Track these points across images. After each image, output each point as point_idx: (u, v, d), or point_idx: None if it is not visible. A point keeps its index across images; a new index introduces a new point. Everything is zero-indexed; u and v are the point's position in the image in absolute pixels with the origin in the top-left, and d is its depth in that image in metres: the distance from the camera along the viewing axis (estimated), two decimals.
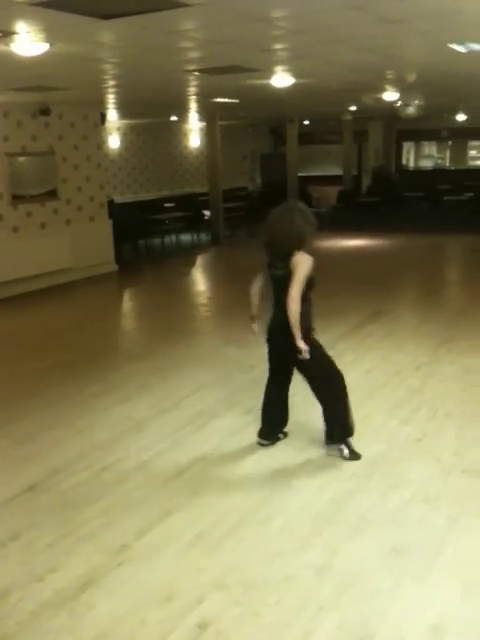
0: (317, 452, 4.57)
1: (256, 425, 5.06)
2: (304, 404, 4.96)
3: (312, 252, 4.30)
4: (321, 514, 3.81)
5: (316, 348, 4.42)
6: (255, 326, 4.61)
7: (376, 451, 4.56)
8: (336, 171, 20.37)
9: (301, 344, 4.16)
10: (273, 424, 4.73)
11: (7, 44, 4.97)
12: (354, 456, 4.44)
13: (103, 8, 3.86)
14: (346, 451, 4.46)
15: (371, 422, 5.07)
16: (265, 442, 4.69)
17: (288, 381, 4.67)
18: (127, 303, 10.71)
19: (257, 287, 4.61)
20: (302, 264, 4.18)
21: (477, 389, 5.64)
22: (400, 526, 3.67)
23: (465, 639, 2.82)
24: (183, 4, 3.82)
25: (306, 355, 4.18)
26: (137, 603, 3.12)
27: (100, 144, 12.02)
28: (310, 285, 4.28)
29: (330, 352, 6.66)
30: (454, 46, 5.83)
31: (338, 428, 4.49)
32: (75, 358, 6.96)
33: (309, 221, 4.29)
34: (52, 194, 10.90)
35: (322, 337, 7.18)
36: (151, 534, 3.68)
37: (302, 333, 4.19)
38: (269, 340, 4.51)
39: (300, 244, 4.22)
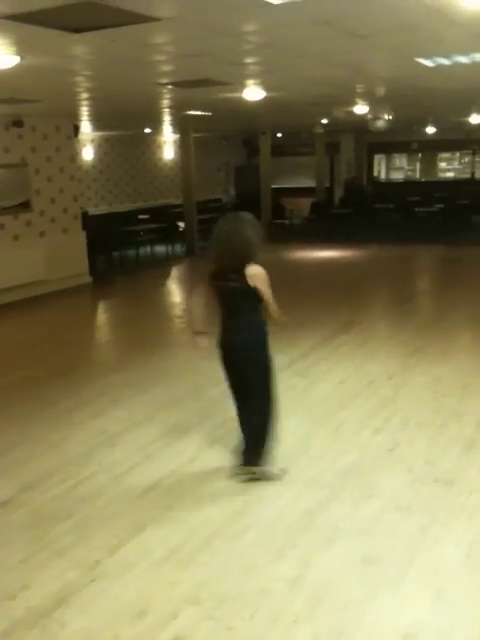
0: (288, 465, 4.56)
1: (229, 438, 5.07)
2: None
3: (263, 263, 4.22)
4: (294, 525, 3.82)
5: (270, 363, 4.34)
6: (202, 341, 4.43)
7: (349, 461, 4.59)
8: (309, 183, 20.54)
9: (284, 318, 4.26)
10: (256, 445, 4.37)
11: None
12: (276, 476, 4.33)
13: (74, 22, 3.87)
14: (266, 472, 4.32)
15: (344, 432, 5.10)
16: (249, 470, 4.37)
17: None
18: (101, 315, 10.67)
19: (200, 301, 4.42)
20: (262, 278, 4.12)
21: (448, 399, 5.70)
22: (372, 536, 3.69)
23: None
24: (152, 18, 3.85)
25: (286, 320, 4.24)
26: (110, 619, 3.09)
27: (73, 156, 11.99)
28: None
29: (304, 362, 6.78)
30: (421, 60, 5.93)
31: (256, 450, 4.32)
32: (48, 372, 6.90)
33: (258, 232, 4.24)
34: (25, 206, 10.84)
35: (295, 348, 7.28)
36: (124, 549, 3.66)
37: (264, 343, 4.28)
38: (228, 355, 4.31)
39: (253, 256, 4.14)
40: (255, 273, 4.10)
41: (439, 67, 6.31)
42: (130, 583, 3.36)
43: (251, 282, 4.10)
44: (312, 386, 6.12)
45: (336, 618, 3.05)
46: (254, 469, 4.33)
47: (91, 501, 4.20)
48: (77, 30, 4.07)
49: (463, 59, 5.89)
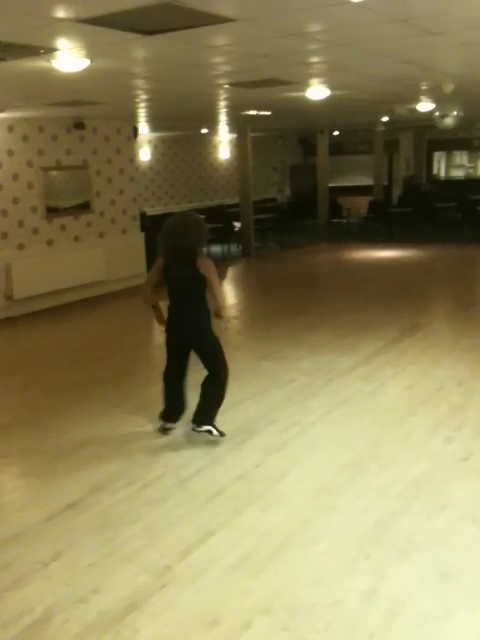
0: (357, 473, 4.48)
1: (297, 441, 5.03)
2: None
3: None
4: (366, 536, 3.72)
5: (216, 340, 5.09)
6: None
7: (420, 470, 4.46)
8: (366, 181, 20.27)
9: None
10: (175, 410, 5.25)
11: (48, 60, 5.01)
12: (221, 433, 5.01)
13: (148, 25, 3.86)
14: (214, 432, 5.00)
15: (414, 440, 4.97)
16: (169, 424, 5.24)
17: (186, 373, 5.26)
18: None
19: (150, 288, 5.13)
20: (210, 267, 4.86)
21: None
22: (448, 549, 3.57)
23: None
24: (227, 19, 3.81)
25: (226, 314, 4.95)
26: (182, 627, 3.06)
27: (133, 157, 12.10)
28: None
29: (368, 366, 6.66)
30: None
31: (211, 412, 5.04)
32: (111, 373, 6.96)
33: (204, 230, 4.95)
34: (86, 207, 10.99)
35: (359, 351, 7.16)
36: (193, 555, 3.63)
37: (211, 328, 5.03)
38: (180, 334, 5.07)
39: (200, 249, 4.88)
40: (205, 263, 4.85)
41: None
42: (201, 590, 3.32)
43: (202, 270, 4.79)
44: (378, 391, 6.00)
45: (413, 634, 2.95)
46: (209, 428, 5.02)
47: (158, 504, 4.19)
48: (150, 32, 4.06)
49: None
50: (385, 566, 3.44)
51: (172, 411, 5.28)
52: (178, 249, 4.84)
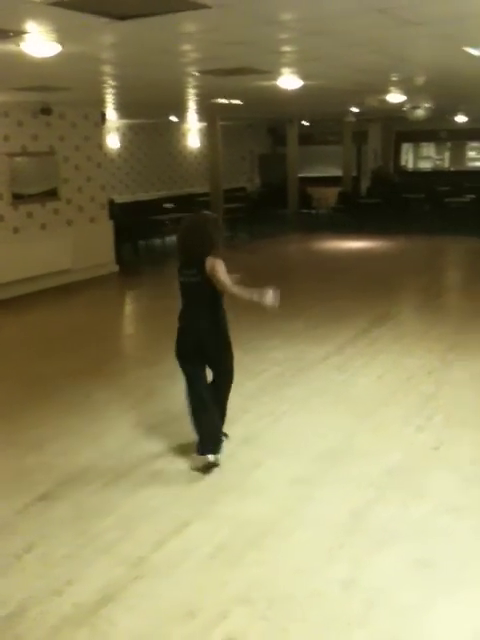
0: (332, 462, 4.50)
1: (271, 431, 5.03)
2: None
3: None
4: (343, 526, 3.74)
5: (230, 346, 4.60)
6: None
7: (394, 460, 4.49)
8: (335, 172, 20.33)
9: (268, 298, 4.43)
10: (219, 433, 4.55)
11: (17, 44, 4.88)
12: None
13: (121, 9, 3.78)
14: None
15: (386, 429, 5.01)
16: (215, 457, 4.41)
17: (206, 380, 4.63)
18: (130, 305, 10.63)
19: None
20: (218, 264, 4.33)
21: None
22: (424, 538, 3.60)
23: None
24: (203, 5, 3.75)
25: (272, 301, 4.41)
26: (159, 619, 3.04)
27: (101, 144, 11.92)
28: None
29: (340, 356, 6.68)
30: (468, 49, 5.78)
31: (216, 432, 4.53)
32: (82, 363, 6.86)
33: (220, 229, 4.61)
34: (53, 194, 10.80)
35: (330, 341, 7.18)
36: (169, 545, 3.60)
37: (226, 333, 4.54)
38: (197, 345, 4.51)
39: (211, 251, 4.36)
40: (212, 262, 4.32)
41: None
42: (178, 581, 3.30)
43: (210, 273, 4.31)
44: (350, 380, 6.03)
45: (392, 623, 2.97)
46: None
47: (133, 495, 4.15)
48: (123, 17, 3.97)
49: None
50: (362, 555, 3.46)
51: (216, 436, 4.51)
52: (187, 253, 4.44)
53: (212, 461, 4.39)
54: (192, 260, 4.39)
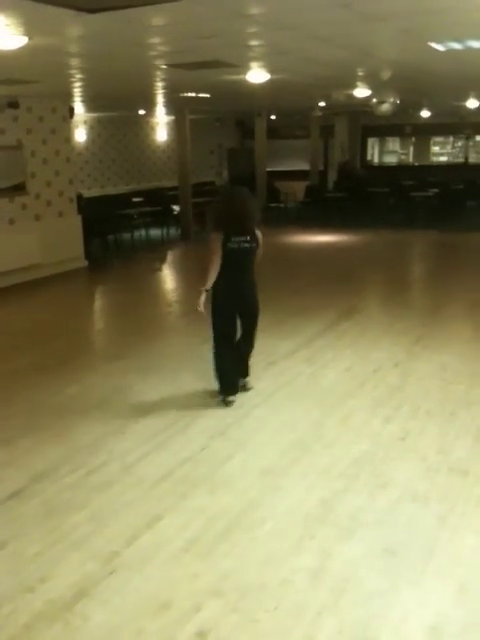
0: (301, 454, 4.56)
1: (241, 424, 5.07)
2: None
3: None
4: (311, 515, 3.80)
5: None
6: (203, 299, 5.14)
7: (361, 450, 4.57)
8: (302, 166, 20.41)
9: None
10: (237, 379, 5.49)
11: None
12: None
13: (91, 2, 3.76)
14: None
15: (354, 420, 5.09)
16: (233, 397, 5.37)
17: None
18: (99, 300, 10.57)
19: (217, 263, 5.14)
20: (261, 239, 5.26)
21: (455, 387, 5.69)
22: (391, 526, 3.68)
23: None
24: None
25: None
26: (132, 613, 3.07)
27: (69, 138, 11.81)
28: None
29: (308, 349, 6.75)
30: (433, 44, 5.86)
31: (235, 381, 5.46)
32: (50, 359, 6.82)
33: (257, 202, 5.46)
34: (20, 189, 10.67)
35: (299, 334, 7.24)
36: (141, 540, 3.63)
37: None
38: (243, 301, 5.29)
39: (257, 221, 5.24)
40: (260, 235, 5.25)
41: (449, 51, 6.24)
42: (150, 575, 3.33)
43: (259, 242, 5.21)
44: (319, 373, 6.10)
45: (360, 610, 3.04)
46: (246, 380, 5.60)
47: (104, 491, 4.16)
48: (91, 10, 3.95)
49: (476, 44, 5.81)
50: (331, 544, 3.52)
51: (235, 380, 5.46)
52: (243, 221, 5.11)
53: (231, 400, 5.34)
54: (246, 228, 5.11)
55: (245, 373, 5.65)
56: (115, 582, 3.28)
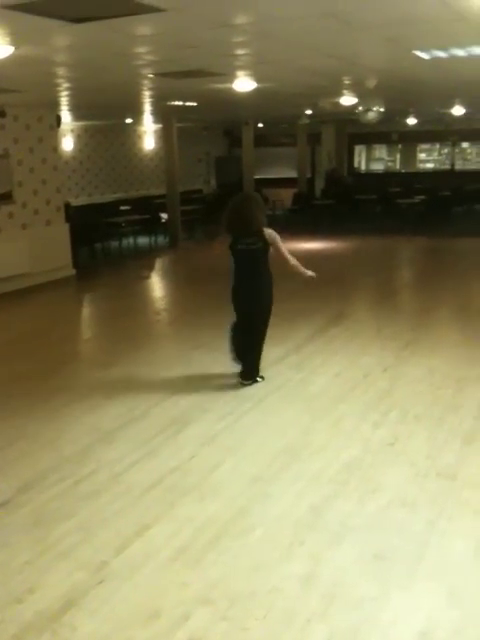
0: (291, 460, 4.55)
1: (230, 431, 5.07)
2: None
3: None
4: (301, 522, 3.80)
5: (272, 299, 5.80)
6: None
7: (351, 456, 4.58)
8: (290, 173, 20.50)
9: (310, 272, 6.00)
10: (254, 366, 5.93)
11: None
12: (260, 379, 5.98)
13: (76, 12, 3.77)
14: (257, 380, 5.96)
15: (343, 426, 5.10)
16: (248, 382, 5.90)
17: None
18: (87, 309, 10.54)
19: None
20: (276, 236, 5.65)
21: (443, 391, 5.71)
22: (380, 532, 3.68)
23: None
24: (157, 9, 3.76)
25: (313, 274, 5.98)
26: (122, 622, 3.04)
27: (56, 146, 11.79)
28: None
29: (298, 355, 6.76)
30: (418, 53, 5.91)
31: (257, 366, 5.94)
32: (38, 367, 6.80)
33: (263, 203, 5.84)
34: (7, 198, 10.65)
35: (288, 340, 7.25)
36: (130, 549, 3.60)
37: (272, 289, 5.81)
38: (255, 299, 5.72)
39: (264, 221, 5.61)
40: (271, 233, 5.62)
41: (433, 60, 6.30)
42: (139, 584, 3.31)
43: (271, 242, 5.59)
44: (308, 379, 6.11)
45: (351, 616, 3.03)
46: (256, 379, 5.94)
47: (92, 500, 4.13)
48: (77, 20, 3.96)
49: (460, 52, 5.88)
50: (320, 551, 3.51)
51: (252, 368, 5.94)
52: (246, 225, 5.53)
53: (247, 383, 5.88)
54: (251, 231, 5.54)
55: (251, 373, 5.99)
56: (104, 591, 3.26)
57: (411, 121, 17.92)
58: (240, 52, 5.95)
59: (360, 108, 9.57)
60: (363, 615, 3.03)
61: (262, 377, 6.00)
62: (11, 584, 3.34)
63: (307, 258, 13.12)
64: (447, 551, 3.48)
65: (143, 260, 13.69)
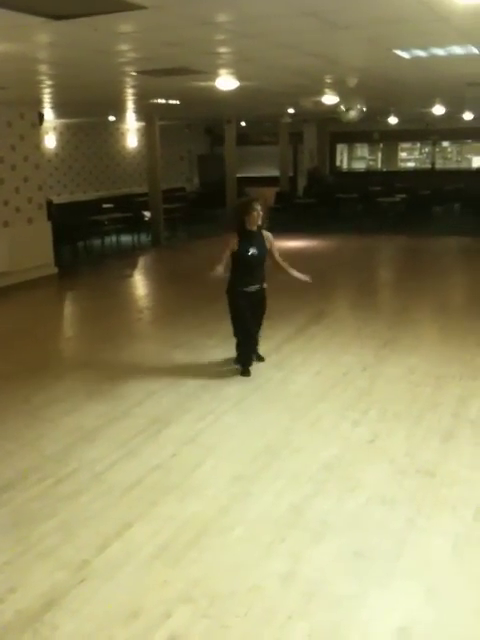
0: (271, 459, 4.58)
1: (211, 430, 5.08)
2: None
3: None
4: (281, 520, 3.82)
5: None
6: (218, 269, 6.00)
7: (330, 454, 4.61)
8: (272, 172, 20.53)
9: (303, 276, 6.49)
10: (252, 352, 6.36)
11: None
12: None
13: (57, 8, 3.75)
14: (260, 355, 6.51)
15: (323, 424, 5.13)
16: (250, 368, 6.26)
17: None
18: (68, 308, 10.49)
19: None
20: (271, 239, 6.22)
21: (422, 389, 5.77)
22: (360, 529, 3.72)
23: None
24: (139, 6, 3.76)
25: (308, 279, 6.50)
26: (103, 621, 3.05)
27: (38, 144, 11.71)
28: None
29: (278, 354, 6.78)
30: (398, 52, 5.95)
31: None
32: (17, 367, 6.76)
33: (239, 212, 6.13)
34: None
35: (269, 339, 7.28)
36: (111, 548, 3.61)
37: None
38: (255, 295, 6.18)
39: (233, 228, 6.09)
40: (268, 235, 6.20)
41: (414, 59, 6.34)
42: (120, 583, 3.32)
43: (268, 244, 6.13)
44: (288, 378, 6.14)
45: (331, 613, 3.06)
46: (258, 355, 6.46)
47: (73, 499, 4.13)
48: (58, 17, 3.95)
49: (440, 52, 5.93)
50: (300, 549, 3.54)
51: (250, 357, 6.30)
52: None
53: (246, 371, 6.19)
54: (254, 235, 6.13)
55: (257, 353, 6.50)
56: (85, 591, 3.27)
57: (392, 120, 17.99)
58: (222, 50, 5.95)
59: (341, 107, 9.61)
60: (343, 612, 3.06)
61: (262, 358, 6.54)
62: None
63: (288, 256, 13.21)
64: (426, 548, 3.53)
65: (126, 259, 13.64)
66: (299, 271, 6.47)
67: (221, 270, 6.00)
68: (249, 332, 6.22)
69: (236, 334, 6.26)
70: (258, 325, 6.34)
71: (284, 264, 6.40)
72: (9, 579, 3.36)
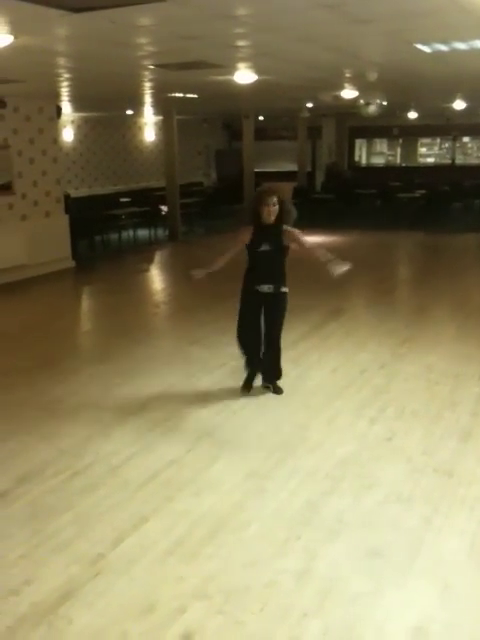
0: (287, 455, 4.56)
1: (227, 426, 5.08)
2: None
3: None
4: (297, 517, 3.81)
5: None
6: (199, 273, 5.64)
7: (347, 451, 4.59)
8: (290, 167, 20.44)
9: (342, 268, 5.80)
10: (252, 366, 5.69)
11: None
12: (281, 391, 5.62)
13: (75, 1, 3.74)
14: (278, 388, 5.63)
15: (340, 422, 5.10)
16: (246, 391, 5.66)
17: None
18: (85, 302, 10.53)
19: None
20: (294, 233, 5.61)
21: (440, 387, 5.72)
22: (376, 528, 3.69)
23: None
24: None
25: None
26: (117, 615, 3.06)
27: (56, 138, 11.76)
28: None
29: (295, 350, 6.75)
30: (420, 46, 5.88)
31: (278, 367, 5.61)
32: (35, 361, 6.79)
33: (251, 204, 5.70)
34: (6, 188, 10.62)
35: (285, 335, 7.25)
36: (127, 542, 3.62)
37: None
38: (268, 297, 5.52)
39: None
40: (288, 231, 5.57)
41: (435, 53, 6.27)
42: (135, 577, 3.32)
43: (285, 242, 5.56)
44: (305, 375, 6.11)
45: (346, 611, 3.04)
46: (276, 383, 5.64)
47: (89, 493, 4.14)
48: (77, 10, 3.94)
49: (462, 45, 5.85)
50: (316, 546, 3.53)
51: (253, 367, 5.68)
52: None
53: (269, 386, 5.65)
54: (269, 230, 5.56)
55: (269, 376, 5.68)
56: (100, 584, 3.27)
57: (412, 115, 17.87)
58: (241, 44, 5.92)
59: (361, 101, 9.53)
60: (358, 610, 3.05)
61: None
62: (7, 576, 3.35)
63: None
64: (442, 547, 3.50)
65: (142, 253, 13.66)
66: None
67: (203, 272, 5.59)
68: (247, 339, 5.53)
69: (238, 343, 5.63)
70: (270, 337, 5.49)
71: (319, 252, 5.79)
72: (25, 571, 3.38)
